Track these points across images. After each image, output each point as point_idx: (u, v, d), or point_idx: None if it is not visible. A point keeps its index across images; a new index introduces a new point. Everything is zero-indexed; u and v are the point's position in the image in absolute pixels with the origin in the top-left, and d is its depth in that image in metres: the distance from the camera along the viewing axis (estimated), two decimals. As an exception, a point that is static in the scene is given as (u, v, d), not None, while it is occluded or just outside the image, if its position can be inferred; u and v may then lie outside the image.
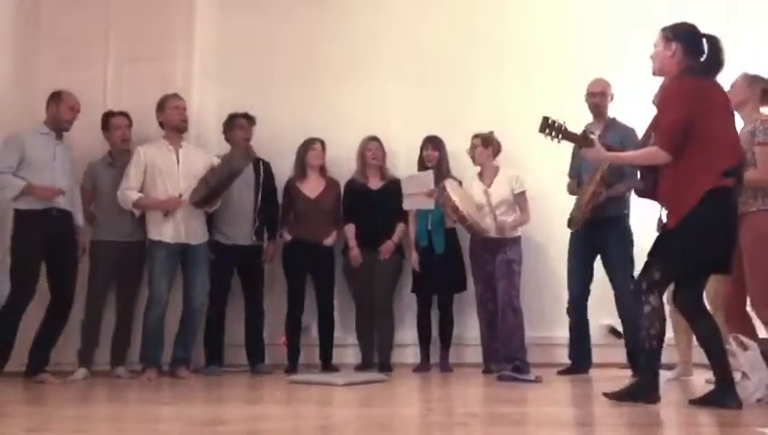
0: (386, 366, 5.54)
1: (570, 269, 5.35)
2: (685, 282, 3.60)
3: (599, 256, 5.31)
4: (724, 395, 3.47)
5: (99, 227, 5.33)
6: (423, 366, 5.62)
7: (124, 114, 5.43)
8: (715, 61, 3.54)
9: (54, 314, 5.01)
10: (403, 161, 5.91)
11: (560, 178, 5.51)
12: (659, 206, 4.12)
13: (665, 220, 3.67)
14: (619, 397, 3.61)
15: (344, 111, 6.04)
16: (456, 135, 5.71)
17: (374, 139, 5.81)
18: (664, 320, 3.55)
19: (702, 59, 3.56)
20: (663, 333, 3.54)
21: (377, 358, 5.66)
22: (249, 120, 5.68)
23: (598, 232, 5.12)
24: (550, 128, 3.71)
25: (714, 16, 6.00)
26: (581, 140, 3.80)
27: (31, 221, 4.91)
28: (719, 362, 3.52)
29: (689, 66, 3.54)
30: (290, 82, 6.15)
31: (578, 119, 5.49)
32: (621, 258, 5.17)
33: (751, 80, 4.27)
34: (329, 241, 5.70)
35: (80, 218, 5.20)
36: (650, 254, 3.60)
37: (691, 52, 3.56)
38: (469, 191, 5.50)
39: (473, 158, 5.55)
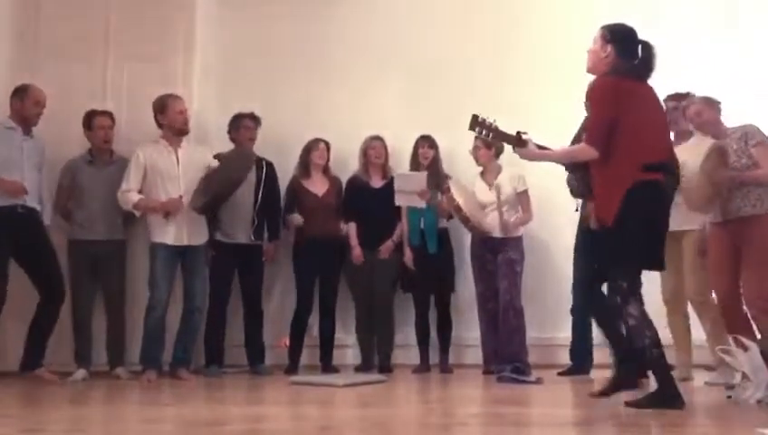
0: (386, 367, 5.54)
1: (576, 268, 5.25)
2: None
3: None
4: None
5: (77, 226, 5.29)
6: (423, 367, 5.62)
7: (107, 114, 5.38)
8: (647, 66, 3.62)
9: (45, 309, 4.94)
10: (405, 161, 5.90)
11: (562, 177, 5.48)
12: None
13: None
14: (640, 405, 3.47)
15: (344, 110, 6.04)
16: (456, 135, 5.68)
17: (377, 138, 5.82)
18: (652, 324, 3.50)
19: (635, 62, 3.62)
20: (657, 336, 3.48)
21: (377, 359, 5.66)
22: (254, 120, 5.67)
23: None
24: (480, 126, 3.75)
25: (714, 14, 6.05)
26: (514, 140, 3.80)
27: None
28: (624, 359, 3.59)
29: (618, 67, 3.60)
30: (290, 82, 6.15)
31: (579, 117, 5.49)
32: None
33: (706, 101, 4.47)
34: (343, 229, 5.71)
35: (47, 217, 5.11)
36: (603, 265, 3.62)
37: (624, 55, 3.62)
38: (471, 190, 5.50)
39: (476, 158, 5.54)
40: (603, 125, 3.51)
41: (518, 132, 3.81)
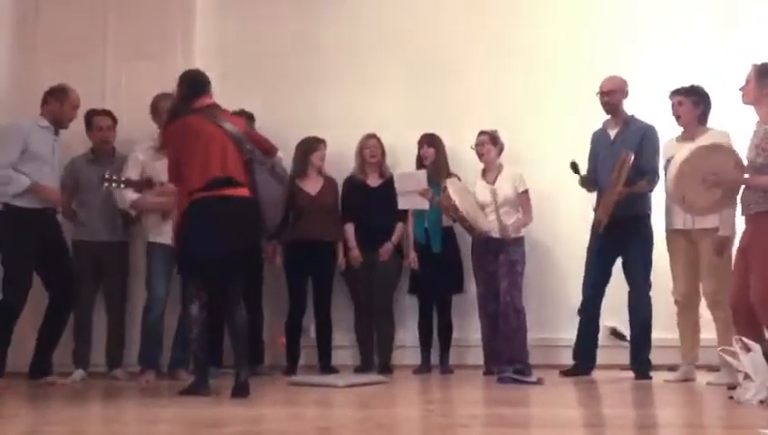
0: (386, 368, 5.52)
1: (588, 269, 5.21)
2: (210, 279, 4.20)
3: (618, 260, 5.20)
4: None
5: (80, 227, 5.28)
6: (423, 368, 5.60)
7: (107, 113, 5.36)
8: (186, 100, 4.22)
9: (56, 316, 4.95)
10: (404, 159, 5.89)
11: (562, 177, 5.47)
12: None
13: None
14: (182, 392, 4.16)
15: (344, 109, 6.02)
16: (457, 134, 5.69)
17: (372, 136, 5.79)
18: (200, 324, 4.17)
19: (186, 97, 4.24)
20: (202, 336, 4.22)
21: (377, 360, 5.64)
22: (249, 118, 5.64)
23: (621, 231, 4.99)
24: (108, 181, 4.53)
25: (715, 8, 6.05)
26: (143, 184, 4.71)
27: (27, 220, 4.82)
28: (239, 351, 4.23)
29: (176, 110, 4.26)
30: (290, 82, 6.13)
31: (579, 116, 5.48)
32: (641, 260, 5.08)
33: (759, 76, 4.23)
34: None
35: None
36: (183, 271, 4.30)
37: (186, 93, 4.24)
38: (472, 189, 5.49)
39: (480, 154, 5.52)
40: (172, 165, 4.20)
41: (149, 178, 4.79)
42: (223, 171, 4.06)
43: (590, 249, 5.22)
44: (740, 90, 4.35)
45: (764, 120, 4.19)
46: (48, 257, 4.93)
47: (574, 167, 5.22)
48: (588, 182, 5.27)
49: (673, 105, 4.98)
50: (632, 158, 4.89)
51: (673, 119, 5.04)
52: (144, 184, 4.66)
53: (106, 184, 4.43)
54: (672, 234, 4.97)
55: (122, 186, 4.54)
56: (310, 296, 5.72)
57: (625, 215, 4.95)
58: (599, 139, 5.33)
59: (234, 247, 4.09)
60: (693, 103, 4.90)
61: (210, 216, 4.02)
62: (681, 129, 5.00)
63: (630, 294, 5.12)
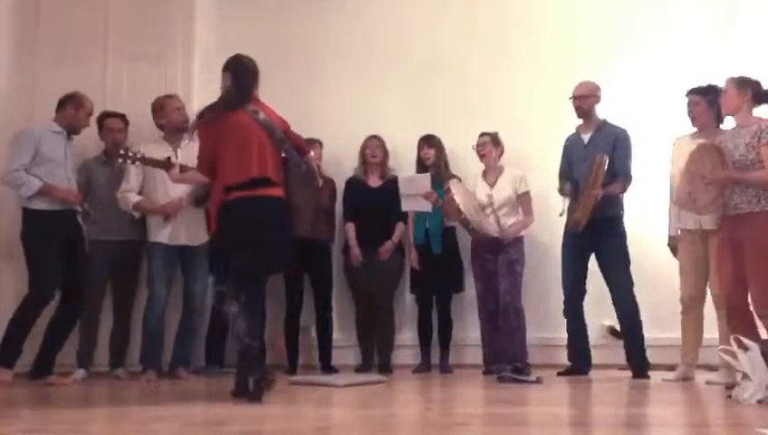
0: (386, 367, 5.53)
1: (564, 268, 5.28)
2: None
3: (592, 256, 5.26)
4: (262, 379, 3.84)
5: (94, 226, 5.30)
6: (423, 367, 5.61)
7: (120, 116, 5.40)
8: (233, 97, 4.08)
9: (66, 317, 4.98)
10: (405, 161, 5.90)
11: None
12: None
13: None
14: (233, 395, 3.88)
15: (345, 110, 6.03)
16: (457, 135, 5.70)
17: (375, 137, 5.81)
18: (246, 317, 3.86)
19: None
20: (251, 324, 3.88)
21: (377, 359, 5.65)
22: None
23: (594, 231, 5.05)
24: (124, 157, 4.48)
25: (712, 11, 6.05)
26: (162, 164, 4.52)
27: (46, 222, 4.87)
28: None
29: (230, 96, 4.11)
30: (290, 82, 6.12)
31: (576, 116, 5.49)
32: (619, 258, 5.13)
33: (739, 85, 4.35)
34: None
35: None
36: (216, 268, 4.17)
37: (240, 83, 4.10)
38: (473, 191, 5.50)
39: (481, 155, 5.53)
40: (203, 157, 4.08)
41: (168, 158, 4.67)
42: (260, 171, 3.95)
43: (564, 249, 5.29)
44: (720, 103, 4.49)
45: (745, 121, 4.30)
46: (67, 258, 4.96)
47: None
48: (564, 190, 5.32)
49: (688, 104, 4.94)
50: (607, 160, 4.97)
51: (673, 117, 5.05)
52: (162, 163, 4.52)
53: (120, 160, 4.44)
54: (683, 233, 4.95)
55: (137, 163, 4.53)
56: (308, 295, 5.74)
57: (599, 216, 5.00)
58: (572, 143, 5.39)
59: (273, 254, 4.01)
60: (708, 104, 4.84)
61: (249, 219, 3.89)
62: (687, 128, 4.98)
63: (613, 294, 5.15)
